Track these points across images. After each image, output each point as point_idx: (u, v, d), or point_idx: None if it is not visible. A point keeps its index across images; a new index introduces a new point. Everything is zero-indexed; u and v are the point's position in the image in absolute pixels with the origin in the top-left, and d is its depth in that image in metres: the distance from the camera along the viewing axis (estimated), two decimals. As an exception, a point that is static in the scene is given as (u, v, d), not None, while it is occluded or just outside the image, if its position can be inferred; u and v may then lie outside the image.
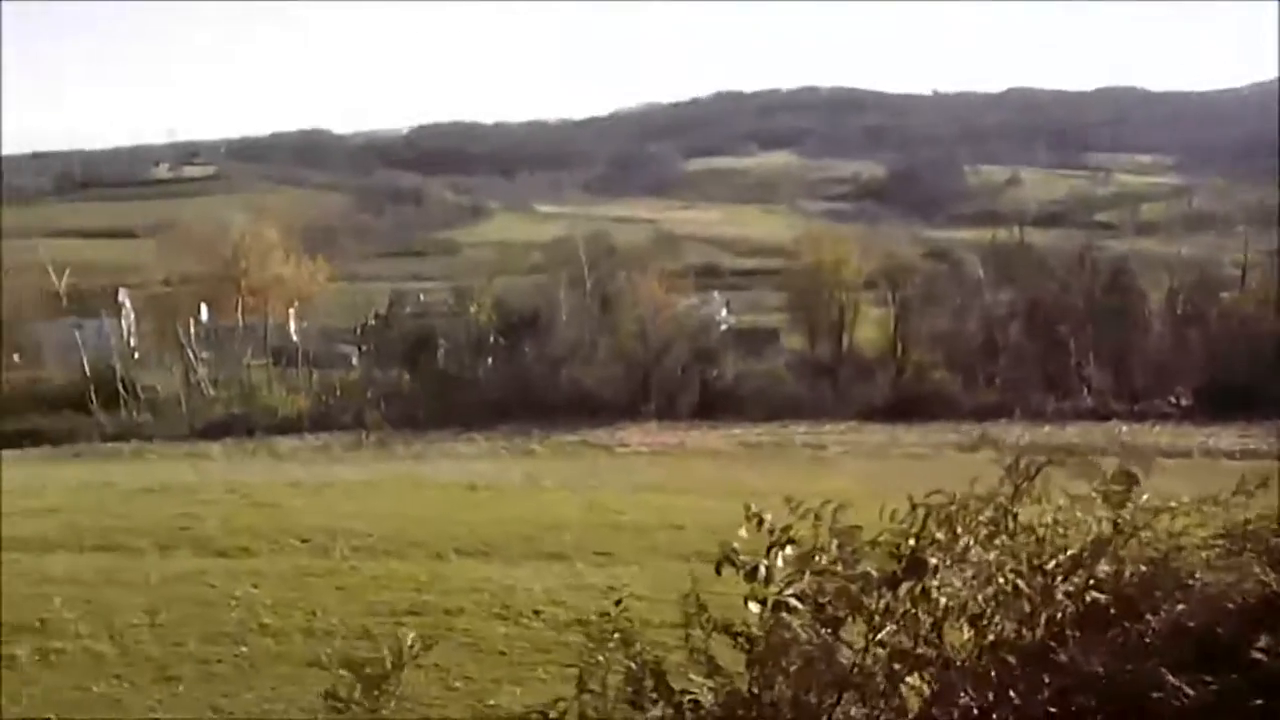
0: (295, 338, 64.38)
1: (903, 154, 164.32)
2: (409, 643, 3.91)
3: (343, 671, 3.96)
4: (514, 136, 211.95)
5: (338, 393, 51.29)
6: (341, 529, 15.86)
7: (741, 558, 3.53)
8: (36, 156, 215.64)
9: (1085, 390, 44.11)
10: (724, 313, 74.09)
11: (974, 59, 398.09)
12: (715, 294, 78.63)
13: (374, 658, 3.85)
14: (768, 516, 3.61)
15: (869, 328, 52.78)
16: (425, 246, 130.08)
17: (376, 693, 3.72)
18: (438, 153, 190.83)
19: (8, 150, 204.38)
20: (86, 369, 55.28)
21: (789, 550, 3.51)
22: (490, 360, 51.09)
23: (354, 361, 60.95)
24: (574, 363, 48.11)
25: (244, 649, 9.92)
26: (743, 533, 3.62)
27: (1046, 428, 37.48)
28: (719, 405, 44.95)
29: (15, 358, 71.74)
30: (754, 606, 3.52)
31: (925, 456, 31.62)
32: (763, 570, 3.50)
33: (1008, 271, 55.33)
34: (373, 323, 64.46)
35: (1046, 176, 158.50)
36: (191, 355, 55.42)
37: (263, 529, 16.19)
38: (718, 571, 3.55)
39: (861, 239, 65.64)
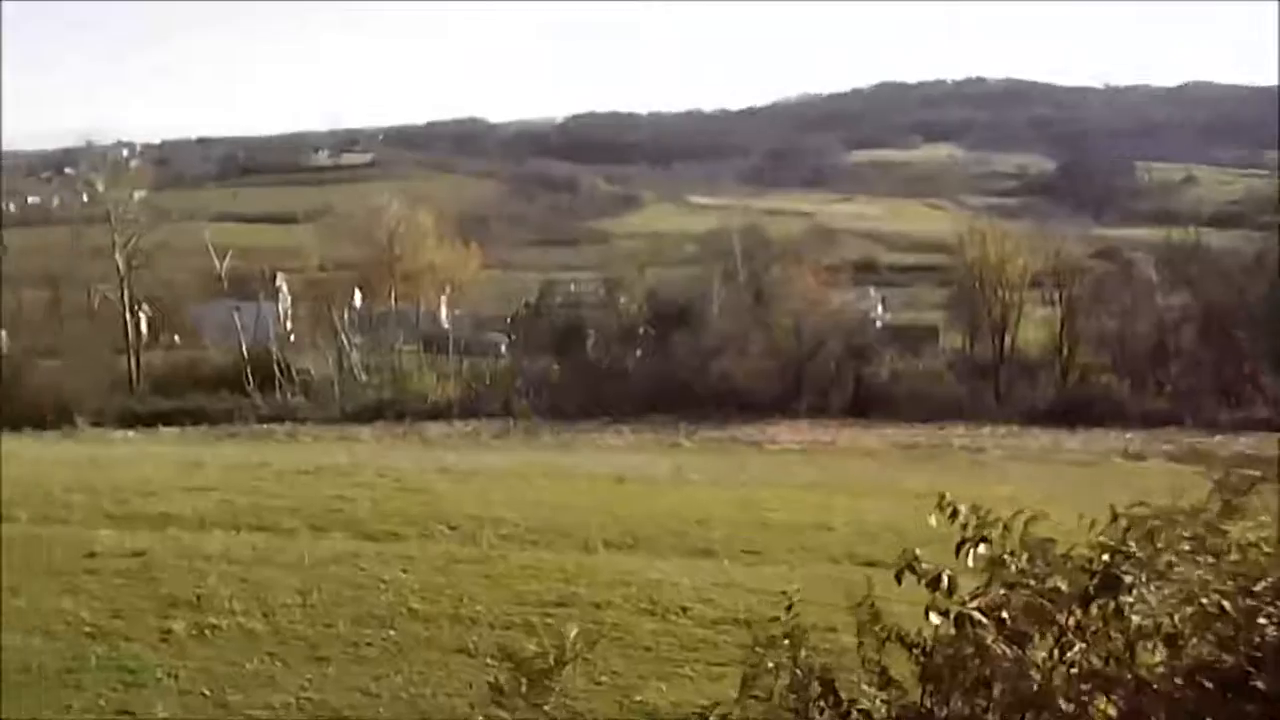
0: (446, 324, 65.51)
1: (1071, 149, 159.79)
2: (572, 638, 3.85)
3: (506, 664, 3.91)
4: (669, 126, 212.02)
5: (487, 380, 52.00)
6: (490, 517, 16.00)
7: (924, 565, 3.37)
8: (202, 142, 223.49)
9: (1261, 399, 42.31)
10: (880, 309, 73.18)
11: (1147, 52, 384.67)
12: (872, 290, 77.73)
13: (535, 652, 3.80)
14: (962, 508, 3.46)
15: (1033, 328, 51.43)
16: (577, 236, 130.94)
17: (539, 688, 3.67)
18: (591, 142, 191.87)
19: (175, 136, 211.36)
20: (244, 351, 57.04)
21: (981, 549, 3.35)
22: (639, 352, 51.20)
23: (503, 350, 61.72)
24: (725, 357, 47.92)
25: (392, 633, 10.03)
26: (932, 521, 3.48)
27: (1218, 437, 36.12)
28: (873, 404, 44.37)
29: (176, 339, 74.51)
30: (934, 618, 3.36)
31: (1091, 464, 30.66)
32: (945, 580, 3.35)
33: (1181, 273, 53.39)
34: (523, 311, 65.29)
35: (1223, 174, 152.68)
36: (345, 339, 56.73)
37: (413, 514, 16.43)
38: (898, 580, 3.40)
39: (1027, 236, 63.92)
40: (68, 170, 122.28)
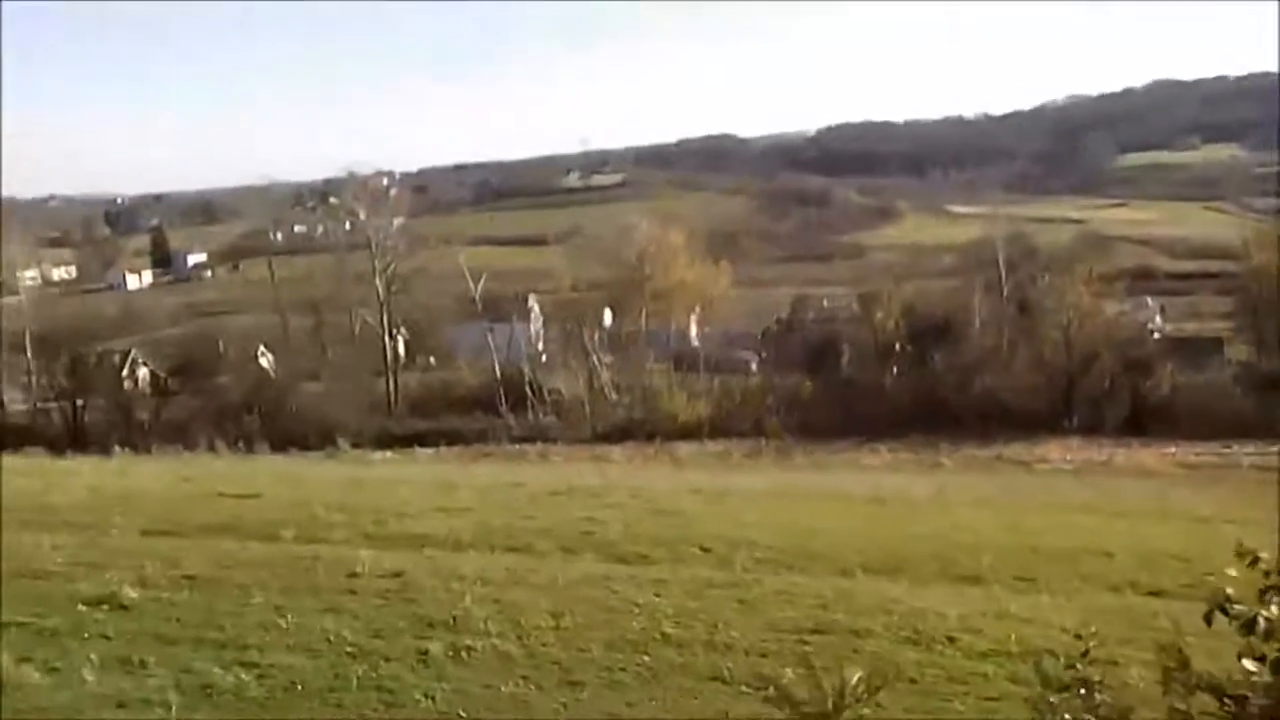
0: (696, 343, 65.80)
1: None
2: (854, 682, 3.63)
3: (781, 704, 3.72)
4: (927, 134, 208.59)
5: (737, 399, 51.97)
6: (743, 539, 15.82)
7: (1236, 606, 3.04)
8: (458, 169, 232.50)
9: None
10: (1159, 319, 70.00)
11: None
12: (1149, 299, 74.40)
13: (808, 694, 3.60)
14: (1264, 555, 3.11)
15: (1328, 338, 48.18)
16: (830, 250, 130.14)
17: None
18: (845, 154, 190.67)
19: (433, 163, 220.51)
20: (498, 371, 58.68)
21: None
22: (896, 368, 50.38)
23: (754, 367, 61.65)
24: (988, 372, 46.67)
25: (646, 658, 9.95)
26: (1231, 571, 3.14)
27: None
28: (1152, 420, 42.41)
29: (431, 360, 77.33)
30: (1249, 664, 3.02)
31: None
32: (1262, 623, 3.00)
33: None
34: (774, 328, 65.05)
35: None
36: (595, 359, 57.64)
37: (664, 536, 16.39)
38: (1207, 622, 3.07)
39: (1318, 239, 59.95)
40: (331, 200, 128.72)
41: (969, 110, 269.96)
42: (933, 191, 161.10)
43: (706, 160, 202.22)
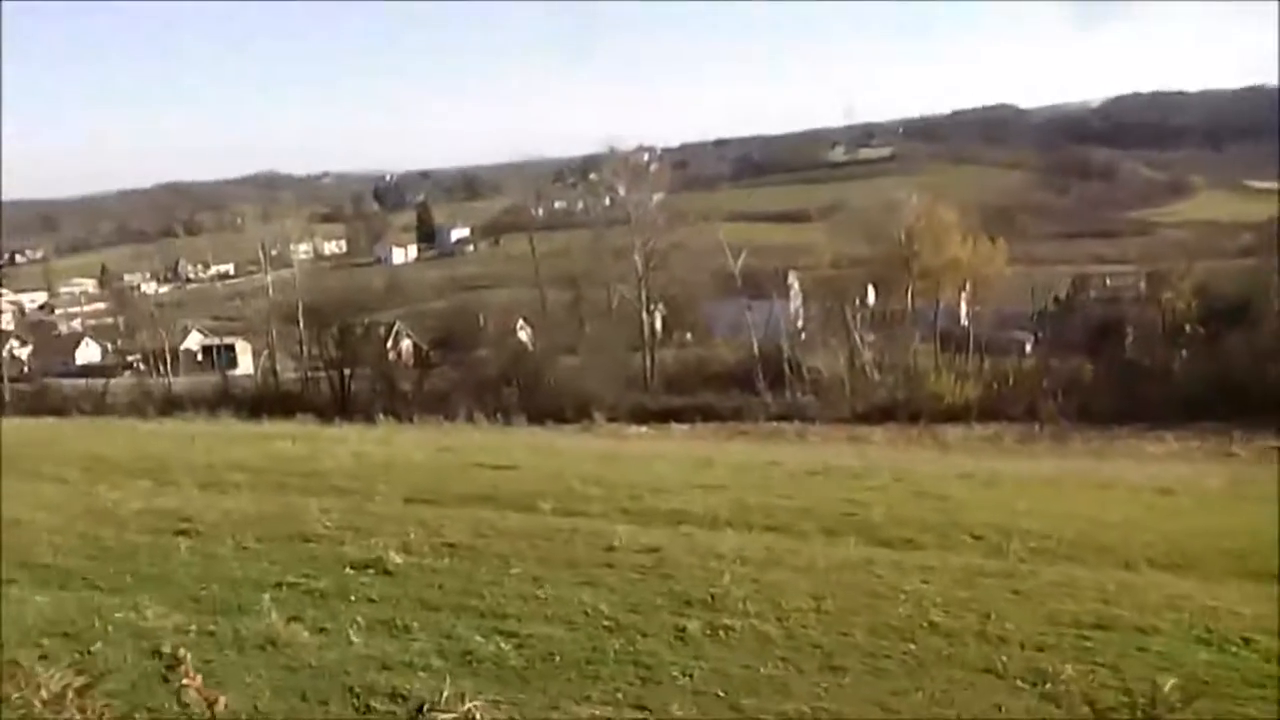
0: (965, 322, 64.38)
1: None
2: (1167, 690, 3.39)
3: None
4: (1223, 104, 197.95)
5: (1010, 381, 50.66)
6: (1016, 528, 15.33)
7: None
8: (719, 144, 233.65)
9: None
10: None
11: None
12: None
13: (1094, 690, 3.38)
14: None
15: None
16: (1114, 226, 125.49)
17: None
18: (1133, 125, 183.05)
19: (694, 138, 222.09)
20: (756, 349, 58.70)
21: None
22: (1185, 352, 48.09)
23: (1028, 349, 59.94)
24: (1288, 356, 44.03)
25: (913, 646, 9.70)
26: None
27: None
28: None
29: (688, 336, 77.99)
30: None
31: None
32: None
33: None
34: (1051, 308, 63.07)
35: None
36: (857, 337, 57.07)
37: (931, 521, 16.05)
38: None
39: None
40: (590, 176, 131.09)
41: (1272, 78, 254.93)
42: (1229, 165, 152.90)
43: (981, 132, 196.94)
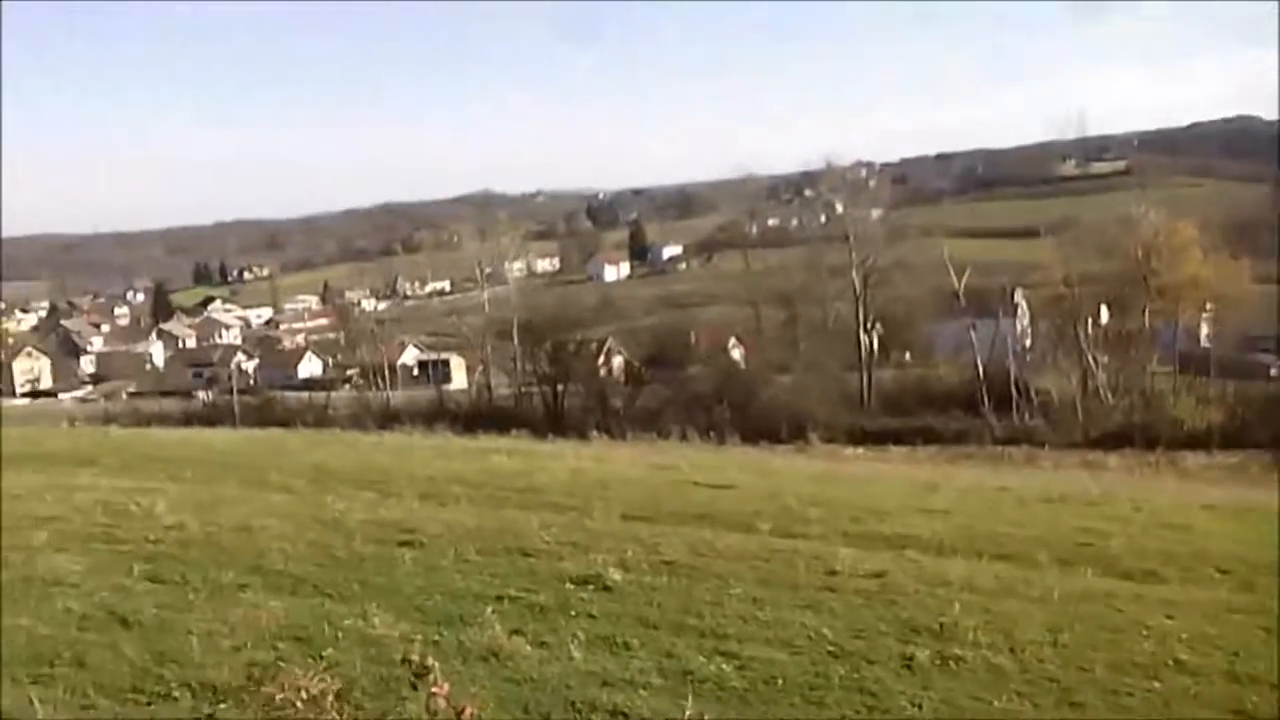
0: (1206, 343, 62.06)
1: None
2: None
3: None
4: None
5: (1256, 406, 48.60)
6: (1267, 562, 14.66)
7: None
8: (940, 158, 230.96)
9: None
10: None
11: None
12: None
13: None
14: None
15: None
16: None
17: None
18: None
19: (914, 152, 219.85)
20: (980, 369, 57.55)
21: None
22: None
23: (1273, 372, 57.46)
24: None
25: (1157, 684, 9.30)
26: None
27: None
28: None
29: (907, 356, 76.92)
30: None
31: None
32: None
33: None
34: (1301, 329, 60.21)
35: None
36: (1090, 359, 55.52)
37: (1174, 553, 15.48)
38: None
39: None
40: (807, 192, 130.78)
41: None
42: None
43: (1222, 144, 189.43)
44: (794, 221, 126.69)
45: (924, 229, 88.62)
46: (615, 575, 12.05)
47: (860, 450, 45.78)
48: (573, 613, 10.64)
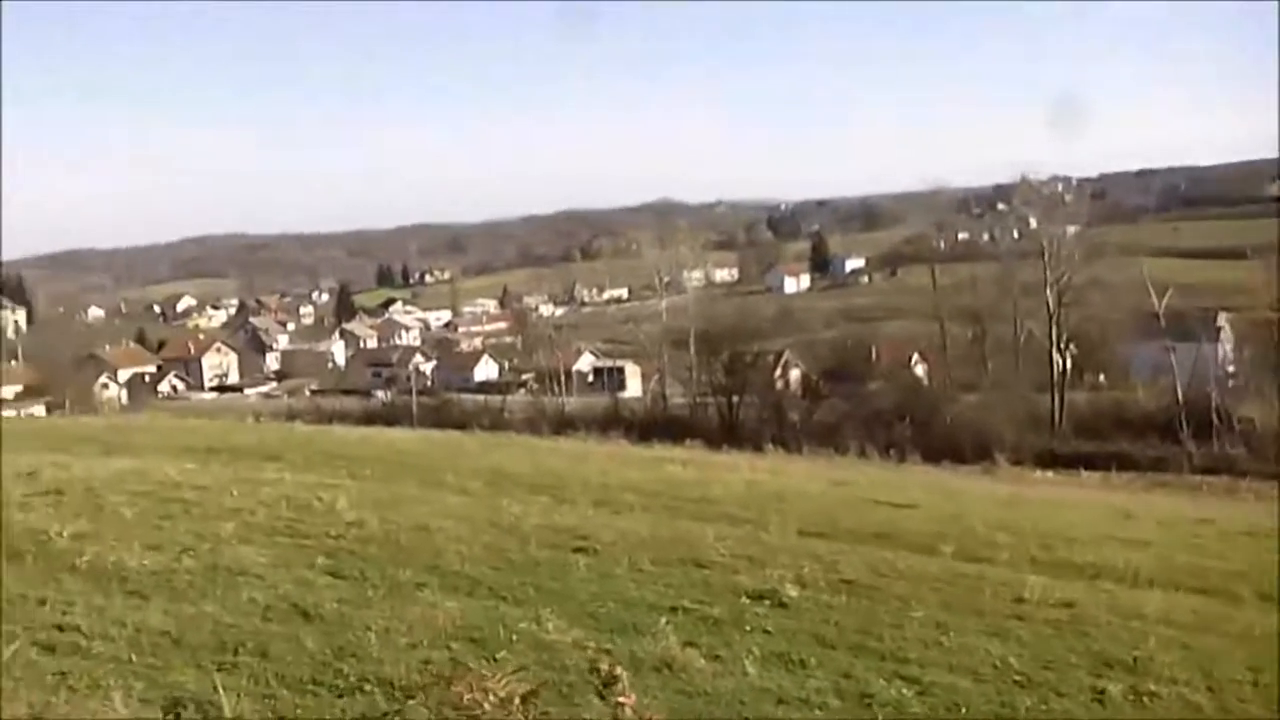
0: None
1: None
2: None
3: None
4: None
5: None
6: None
7: None
8: (1141, 174, 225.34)
9: None
10: None
11: None
12: None
13: None
14: None
15: None
16: None
17: None
18: None
19: (1114, 168, 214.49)
20: (1179, 394, 55.84)
21: None
22: None
23: None
24: None
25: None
26: None
27: None
28: None
29: (1101, 378, 74.88)
30: None
31: None
32: None
33: None
34: None
35: None
36: (1296, 386, 53.58)
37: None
38: None
39: None
40: (999, 206, 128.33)
41: None
42: None
43: None
44: (985, 236, 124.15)
45: (1123, 247, 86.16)
46: (792, 591, 11.93)
47: (1050, 474, 44.78)
48: (748, 628, 10.55)
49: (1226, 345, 72.25)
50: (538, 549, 13.88)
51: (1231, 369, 67.16)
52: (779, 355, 76.64)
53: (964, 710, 8.58)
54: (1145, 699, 9.26)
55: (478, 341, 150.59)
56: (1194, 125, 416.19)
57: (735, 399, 65.04)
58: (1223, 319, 75.40)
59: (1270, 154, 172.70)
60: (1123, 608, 12.67)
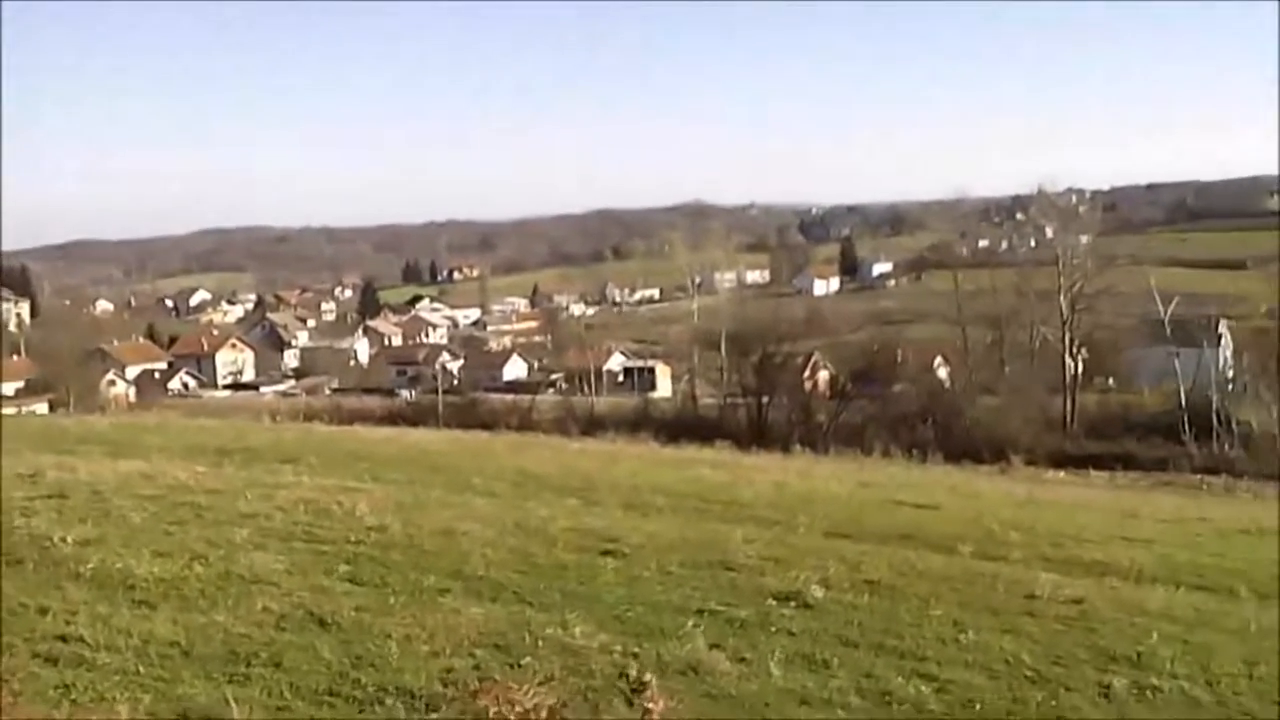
0: None
1: None
2: None
3: None
4: None
5: None
6: None
7: None
8: (1150, 188, 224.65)
9: None
10: None
11: None
12: None
13: None
14: None
15: None
16: None
17: None
18: None
19: (1124, 181, 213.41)
20: (1182, 398, 55.64)
21: None
22: None
23: None
24: None
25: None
26: None
27: None
28: None
29: (1110, 382, 74.59)
30: None
31: None
32: None
33: None
34: None
35: None
36: (1289, 392, 53.38)
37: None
38: None
39: None
40: (1018, 215, 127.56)
41: None
42: None
43: None
44: (1004, 244, 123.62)
45: (1133, 257, 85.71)
46: (817, 592, 11.78)
47: (1061, 474, 44.52)
48: (773, 629, 10.44)
49: (1227, 351, 71.95)
50: (565, 552, 13.34)
51: (1231, 374, 66.72)
52: (808, 357, 75.97)
53: (978, 706, 8.68)
54: (1148, 693, 9.34)
55: (507, 340, 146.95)
56: (1201, 143, 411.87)
57: (764, 400, 64.33)
58: (1224, 326, 75.13)
59: (1270, 170, 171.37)
60: (1127, 604, 12.73)
